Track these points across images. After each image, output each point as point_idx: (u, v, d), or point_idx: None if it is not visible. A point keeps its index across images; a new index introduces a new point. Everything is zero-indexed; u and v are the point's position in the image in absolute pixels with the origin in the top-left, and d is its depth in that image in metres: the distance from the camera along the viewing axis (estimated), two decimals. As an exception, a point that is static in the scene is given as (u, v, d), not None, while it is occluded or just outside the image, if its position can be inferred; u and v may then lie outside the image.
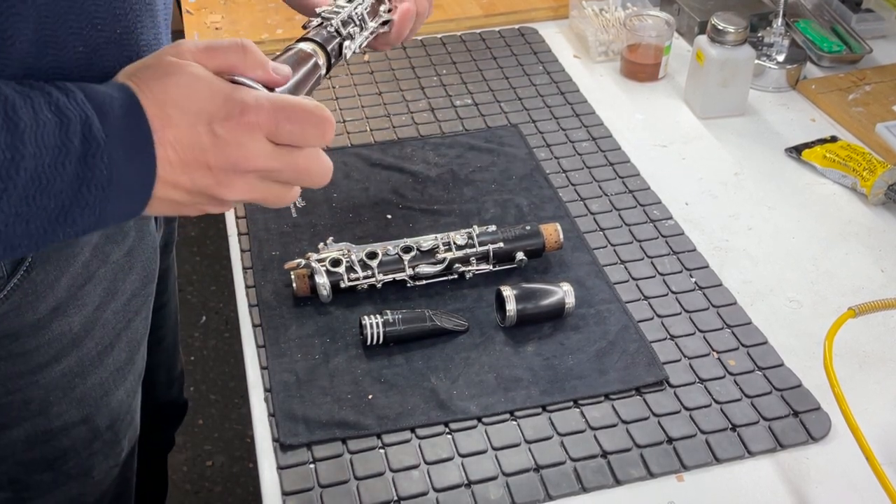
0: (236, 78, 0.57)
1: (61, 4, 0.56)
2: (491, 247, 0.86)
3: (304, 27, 0.77)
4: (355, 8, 0.80)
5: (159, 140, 0.53)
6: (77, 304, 0.74)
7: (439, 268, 0.85)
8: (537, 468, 0.71)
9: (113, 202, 0.53)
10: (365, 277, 0.84)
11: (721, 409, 0.76)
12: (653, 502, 0.70)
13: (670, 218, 0.96)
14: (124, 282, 0.79)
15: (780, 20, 1.18)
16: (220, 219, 0.95)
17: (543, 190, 0.99)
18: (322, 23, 0.76)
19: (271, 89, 0.59)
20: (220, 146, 0.54)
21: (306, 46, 0.70)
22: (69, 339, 0.75)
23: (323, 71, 0.71)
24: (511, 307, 0.81)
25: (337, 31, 0.76)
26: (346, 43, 0.77)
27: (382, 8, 0.86)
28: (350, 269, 0.84)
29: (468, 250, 0.85)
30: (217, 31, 1.27)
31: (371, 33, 0.83)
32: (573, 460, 0.72)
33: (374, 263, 0.84)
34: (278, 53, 0.68)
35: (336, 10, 0.78)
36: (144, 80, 0.54)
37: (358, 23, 0.79)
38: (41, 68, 0.57)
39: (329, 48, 0.73)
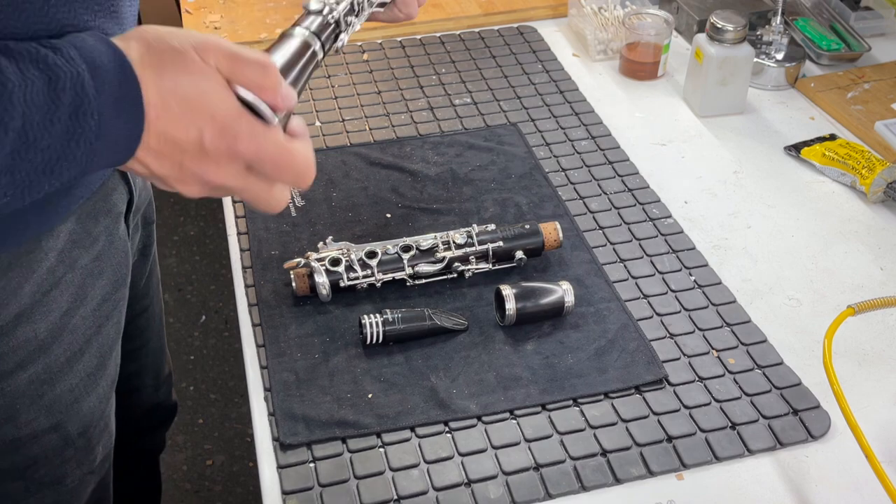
0: (242, 93, 0.57)
1: (23, 11, 0.56)
2: (490, 245, 0.86)
3: (305, 7, 0.73)
4: None
5: (149, 124, 0.54)
6: (43, 310, 0.72)
7: (439, 267, 0.85)
8: (537, 467, 0.71)
9: (99, 155, 0.54)
10: (364, 276, 0.84)
11: (721, 408, 0.76)
12: (652, 501, 0.70)
13: (669, 216, 0.96)
14: (93, 287, 0.77)
15: (779, 18, 1.18)
16: (220, 218, 0.96)
17: (542, 189, 0.99)
18: (322, 9, 0.74)
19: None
20: (199, 156, 0.56)
21: (305, 36, 0.67)
22: (35, 345, 0.73)
23: (320, 57, 0.70)
24: (510, 306, 0.81)
25: (337, 22, 0.74)
26: (342, 33, 0.75)
27: None
28: (349, 268, 0.83)
29: (468, 249, 0.85)
30: (216, 31, 1.27)
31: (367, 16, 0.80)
32: (573, 459, 0.72)
33: (374, 263, 0.84)
34: (276, 41, 0.67)
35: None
36: (158, 65, 0.54)
37: (357, 9, 0.76)
38: None
39: (324, 37, 0.70)
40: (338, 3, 0.73)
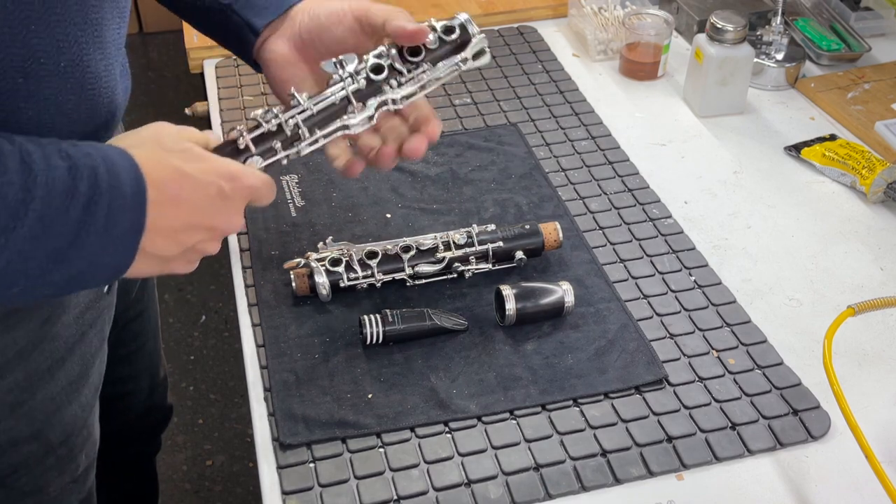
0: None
1: (0, 38, 0.57)
2: (490, 246, 0.86)
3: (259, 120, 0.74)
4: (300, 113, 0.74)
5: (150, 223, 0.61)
6: (22, 316, 0.72)
7: (439, 267, 0.85)
8: (537, 467, 0.71)
9: (104, 250, 0.59)
10: (364, 277, 0.84)
11: (721, 408, 0.76)
12: (652, 501, 0.70)
13: (669, 216, 0.96)
14: (77, 294, 0.76)
15: (779, 18, 1.18)
16: (220, 218, 0.95)
17: (542, 189, 0.99)
18: (267, 125, 0.73)
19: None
20: (185, 252, 0.65)
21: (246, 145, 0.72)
22: (14, 352, 0.72)
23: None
24: (510, 306, 0.81)
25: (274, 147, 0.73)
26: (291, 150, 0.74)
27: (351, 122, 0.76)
28: (349, 268, 0.83)
29: (468, 249, 0.85)
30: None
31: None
32: (573, 459, 0.72)
33: (374, 263, 0.83)
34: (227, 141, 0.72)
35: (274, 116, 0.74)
36: (160, 183, 0.61)
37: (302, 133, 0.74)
38: None
39: (267, 157, 0.73)
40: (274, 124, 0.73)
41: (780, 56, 1.17)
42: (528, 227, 0.87)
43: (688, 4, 1.28)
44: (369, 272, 0.84)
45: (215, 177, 0.65)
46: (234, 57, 1.22)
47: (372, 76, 0.75)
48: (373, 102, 0.75)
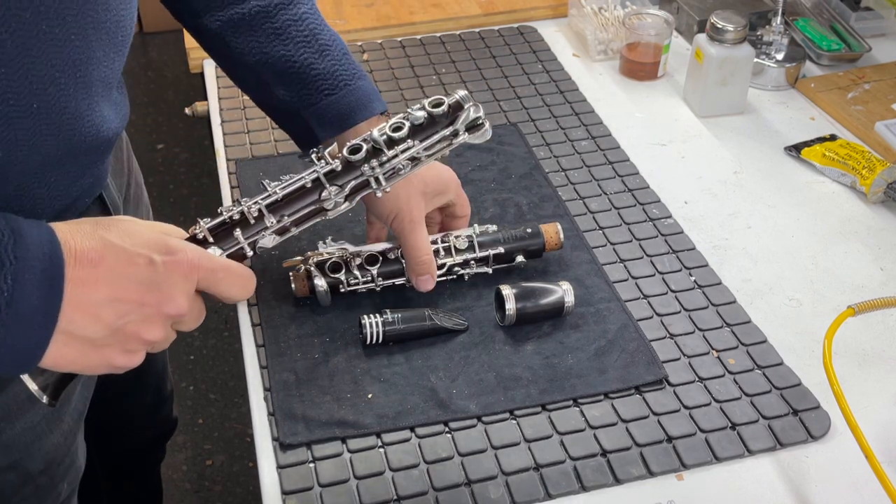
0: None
1: None
2: (491, 251, 0.85)
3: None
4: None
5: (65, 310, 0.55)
6: None
7: (439, 272, 0.84)
8: (537, 467, 0.71)
9: (8, 330, 0.53)
10: (364, 282, 0.83)
11: (721, 408, 0.76)
12: (652, 501, 0.70)
13: (669, 217, 0.96)
14: None
15: (779, 18, 1.18)
16: (220, 218, 0.95)
17: (542, 189, 0.99)
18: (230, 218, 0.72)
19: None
20: (115, 334, 0.59)
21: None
22: None
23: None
24: (510, 306, 0.81)
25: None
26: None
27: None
28: (349, 272, 0.83)
29: (468, 255, 0.85)
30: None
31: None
32: (573, 459, 0.72)
33: (374, 269, 0.83)
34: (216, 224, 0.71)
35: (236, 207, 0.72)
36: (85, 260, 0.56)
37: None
38: None
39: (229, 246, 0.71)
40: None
41: (780, 56, 1.17)
42: (529, 230, 0.87)
43: (688, 4, 1.28)
44: (369, 277, 0.83)
45: (146, 248, 0.59)
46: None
47: (349, 157, 0.72)
48: (351, 182, 0.73)
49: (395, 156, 0.73)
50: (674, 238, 0.93)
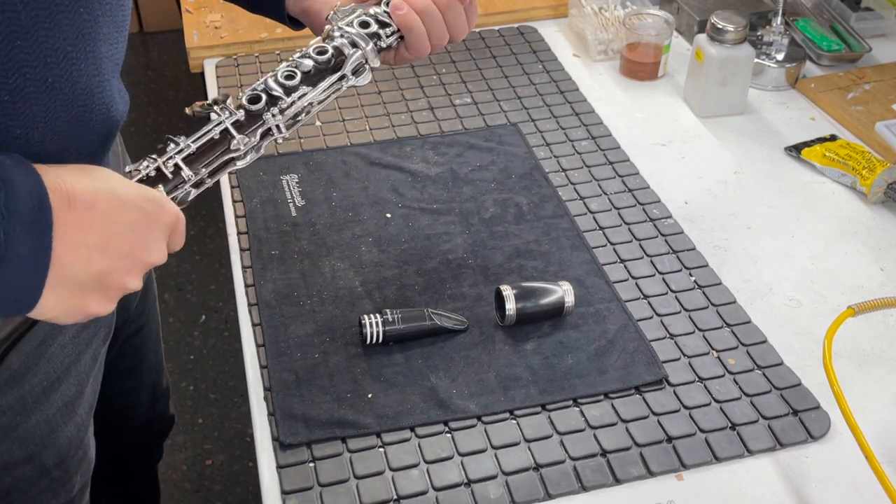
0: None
1: None
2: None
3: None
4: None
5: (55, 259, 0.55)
6: None
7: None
8: (537, 467, 0.71)
9: (3, 281, 0.53)
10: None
11: (720, 408, 0.76)
12: (652, 501, 0.70)
13: (670, 217, 0.96)
14: None
15: (779, 19, 1.18)
16: (220, 218, 0.95)
17: (543, 189, 0.99)
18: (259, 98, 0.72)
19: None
20: (100, 282, 0.58)
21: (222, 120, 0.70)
22: (6, 376, 0.71)
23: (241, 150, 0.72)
24: (510, 306, 0.81)
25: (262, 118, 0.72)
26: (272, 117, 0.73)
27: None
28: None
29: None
30: (216, 30, 1.27)
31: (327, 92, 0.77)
32: (573, 459, 0.72)
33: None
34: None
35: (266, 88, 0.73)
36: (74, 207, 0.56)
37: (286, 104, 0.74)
38: None
39: (248, 132, 0.72)
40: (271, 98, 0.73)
41: (780, 56, 1.17)
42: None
43: (688, 5, 1.28)
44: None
45: (134, 197, 0.59)
46: (235, 56, 1.23)
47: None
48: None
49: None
50: (674, 238, 0.93)
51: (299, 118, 0.75)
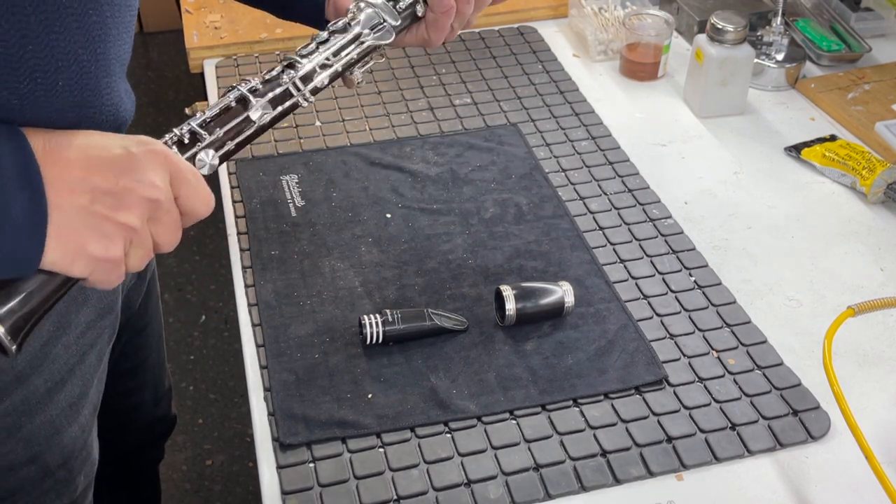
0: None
1: None
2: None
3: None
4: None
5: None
6: None
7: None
8: (537, 467, 0.71)
9: (7, 240, 0.53)
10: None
11: (720, 408, 0.76)
12: (652, 501, 0.70)
13: (669, 217, 0.96)
14: (77, 314, 0.75)
15: (779, 19, 1.18)
16: (220, 218, 0.95)
17: (543, 189, 0.99)
18: (281, 73, 0.73)
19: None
20: (94, 217, 0.57)
21: (243, 95, 0.70)
22: (11, 376, 0.71)
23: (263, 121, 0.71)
24: (510, 306, 0.81)
25: (288, 90, 0.72)
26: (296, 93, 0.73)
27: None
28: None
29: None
30: (216, 31, 1.27)
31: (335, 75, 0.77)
32: (573, 459, 0.72)
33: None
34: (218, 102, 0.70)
35: (299, 59, 0.74)
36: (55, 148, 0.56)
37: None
38: None
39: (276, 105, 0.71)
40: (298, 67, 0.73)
41: (780, 56, 1.17)
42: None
43: (688, 5, 1.28)
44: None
45: (121, 140, 0.58)
46: (234, 56, 1.23)
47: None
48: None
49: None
50: (674, 238, 0.93)
51: (315, 77, 0.74)
